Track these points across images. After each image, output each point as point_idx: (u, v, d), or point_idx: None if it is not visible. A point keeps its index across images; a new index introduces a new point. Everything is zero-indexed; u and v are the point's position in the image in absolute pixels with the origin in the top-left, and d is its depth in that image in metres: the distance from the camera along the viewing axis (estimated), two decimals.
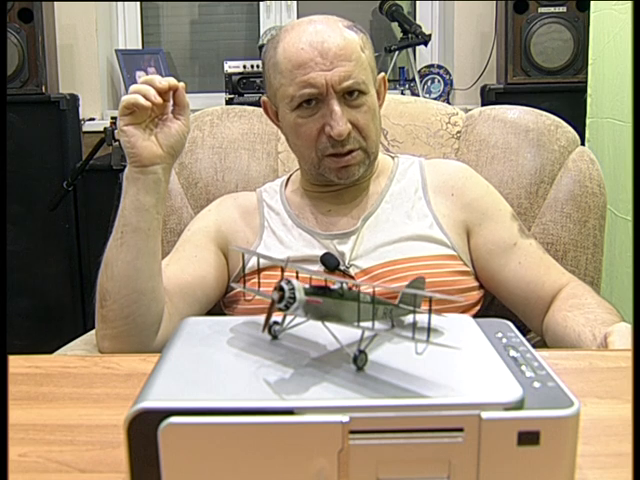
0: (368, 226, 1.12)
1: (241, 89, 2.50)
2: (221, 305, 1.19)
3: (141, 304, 0.98)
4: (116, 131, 0.98)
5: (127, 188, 0.97)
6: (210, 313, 1.24)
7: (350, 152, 1.07)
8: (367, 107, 1.06)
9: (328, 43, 1.03)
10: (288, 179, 1.24)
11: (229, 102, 2.49)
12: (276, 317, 0.57)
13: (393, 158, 1.23)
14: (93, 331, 1.17)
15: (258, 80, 2.47)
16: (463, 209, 1.14)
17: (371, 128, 1.08)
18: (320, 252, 1.09)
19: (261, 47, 2.66)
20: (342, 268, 1.07)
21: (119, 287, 0.98)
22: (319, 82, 1.02)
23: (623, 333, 0.89)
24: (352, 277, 1.07)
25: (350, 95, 1.05)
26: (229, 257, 1.16)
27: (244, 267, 1.14)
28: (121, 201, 0.98)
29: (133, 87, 0.95)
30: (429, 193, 1.15)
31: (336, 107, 1.03)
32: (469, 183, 1.17)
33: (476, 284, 1.13)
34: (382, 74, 1.15)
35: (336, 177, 1.10)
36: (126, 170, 0.98)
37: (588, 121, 2.05)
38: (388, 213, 1.13)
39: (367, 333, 0.53)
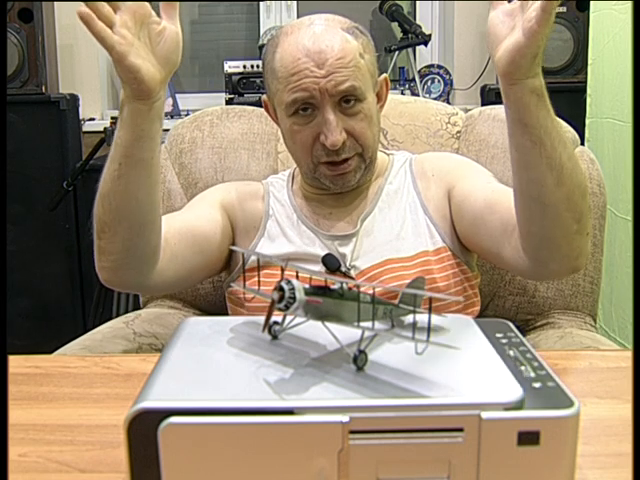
0: (366, 227, 1.12)
1: (241, 89, 2.50)
2: (226, 298, 1.19)
3: (142, 236, 0.96)
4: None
5: (127, 119, 0.89)
6: (210, 314, 1.25)
7: (345, 160, 1.06)
8: (363, 114, 1.05)
9: (325, 53, 1.02)
10: (293, 173, 1.24)
11: (229, 102, 2.48)
12: (276, 317, 0.57)
13: (388, 155, 1.22)
14: (93, 331, 1.17)
15: (258, 80, 2.47)
16: (442, 183, 1.14)
17: (368, 136, 1.07)
18: (322, 251, 1.09)
19: (261, 47, 2.66)
20: (343, 270, 1.07)
21: (119, 220, 0.95)
22: (312, 87, 1.01)
23: None
24: (353, 279, 1.07)
25: (346, 102, 1.04)
26: (236, 233, 1.16)
27: (244, 268, 1.14)
28: (117, 131, 0.90)
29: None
30: (418, 186, 1.16)
31: (330, 116, 1.02)
32: (445, 159, 1.19)
33: (475, 282, 1.14)
34: (384, 75, 1.14)
35: (331, 184, 1.10)
36: (123, 97, 0.88)
37: (588, 121, 2.05)
38: (385, 213, 1.13)
39: (367, 333, 0.53)
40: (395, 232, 1.10)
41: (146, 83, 0.85)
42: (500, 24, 0.84)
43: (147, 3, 0.86)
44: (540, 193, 0.89)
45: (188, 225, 1.07)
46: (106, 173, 0.95)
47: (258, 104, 1.23)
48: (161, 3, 0.88)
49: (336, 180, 1.09)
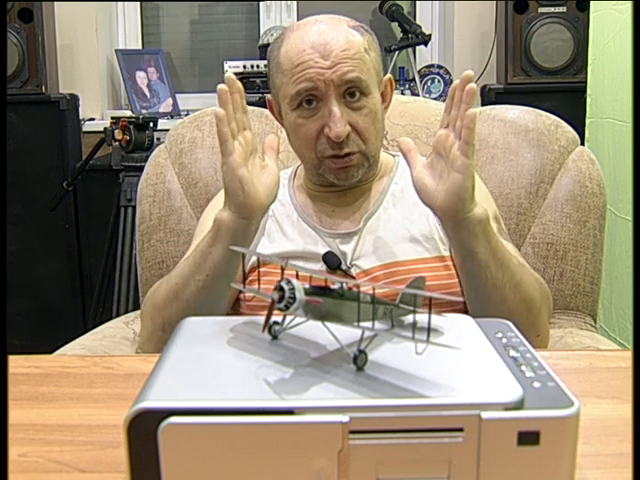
0: (370, 226, 1.12)
1: None
2: None
3: None
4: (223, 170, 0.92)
5: (223, 235, 0.94)
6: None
7: (348, 154, 1.06)
8: (368, 109, 1.05)
9: (330, 45, 1.02)
10: (296, 171, 1.24)
11: None
12: (276, 317, 0.57)
13: (394, 157, 1.22)
14: (93, 331, 1.17)
15: (258, 80, 2.47)
16: None
17: (371, 131, 1.07)
18: (322, 250, 1.09)
19: (261, 47, 2.66)
20: (344, 268, 1.07)
21: None
22: (316, 78, 1.01)
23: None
24: (353, 277, 1.07)
25: (351, 96, 1.04)
26: None
27: (244, 268, 1.14)
28: (208, 245, 0.95)
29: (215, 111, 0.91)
30: None
31: (335, 108, 1.02)
32: None
33: None
34: (388, 75, 1.15)
35: (335, 178, 1.09)
36: (225, 216, 0.94)
37: (588, 121, 2.05)
38: (389, 213, 1.13)
39: (367, 333, 0.53)
40: (401, 234, 1.10)
41: (251, 198, 0.91)
42: (426, 178, 0.91)
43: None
44: (483, 308, 0.95)
45: None
46: (186, 279, 0.98)
47: (258, 104, 1.23)
48: (264, 147, 0.98)
49: (339, 174, 1.09)
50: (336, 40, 1.03)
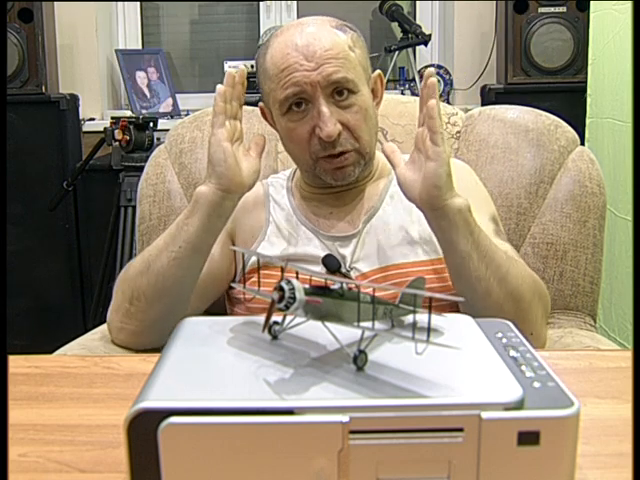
0: (369, 228, 1.11)
1: None
2: (225, 297, 1.19)
3: (175, 311, 1.00)
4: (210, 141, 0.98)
5: (200, 207, 0.97)
6: (210, 313, 1.25)
7: (342, 153, 1.06)
8: (358, 107, 1.05)
9: (314, 46, 1.02)
10: (294, 174, 1.23)
11: None
12: (276, 317, 0.57)
13: None
14: (93, 331, 1.17)
15: None
16: None
17: (363, 128, 1.06)
18: (322, 252, 1.08)
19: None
20: (343, 271, 1.07)
21: (160, 296, 1.00)
22: (302, 81, 1.01)
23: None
24: (352, 281, 1.07)
25: (339, 95, 1.03)
26: (237, 243, 1.17)
27: (244, 268, 1.14)
28: (186, 217, 0.98)
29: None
30: None
31: (324, 108, 1.02)
32: (460, 181, 1.17)
33: None
34: (377, 71, 1.14)
35: (332, 179, 1.09)
36: (204, 188, 0.97)
37: (588, 121, 2.05)
38: (388, 214, 1.12)
39: (367, 333, 0.53)
40: (399, 236, 1.09)
41: (232, 171, 0.95)
42: (409, 172, 0.93)
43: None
44: (471, 303, 0.93)
45: (204, 279, 1.08)
46: (160, 250, 1.00)
47: (258, 104, 1.23)
48: (250, 142, 1.02)
49: (336, 174, 1.08)
50: (319, 41, 1.03)
